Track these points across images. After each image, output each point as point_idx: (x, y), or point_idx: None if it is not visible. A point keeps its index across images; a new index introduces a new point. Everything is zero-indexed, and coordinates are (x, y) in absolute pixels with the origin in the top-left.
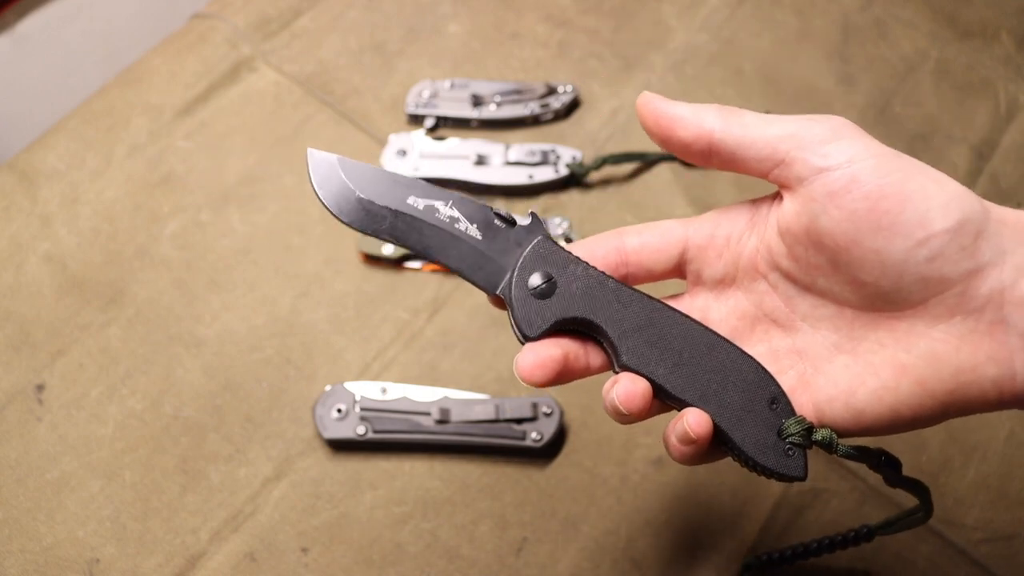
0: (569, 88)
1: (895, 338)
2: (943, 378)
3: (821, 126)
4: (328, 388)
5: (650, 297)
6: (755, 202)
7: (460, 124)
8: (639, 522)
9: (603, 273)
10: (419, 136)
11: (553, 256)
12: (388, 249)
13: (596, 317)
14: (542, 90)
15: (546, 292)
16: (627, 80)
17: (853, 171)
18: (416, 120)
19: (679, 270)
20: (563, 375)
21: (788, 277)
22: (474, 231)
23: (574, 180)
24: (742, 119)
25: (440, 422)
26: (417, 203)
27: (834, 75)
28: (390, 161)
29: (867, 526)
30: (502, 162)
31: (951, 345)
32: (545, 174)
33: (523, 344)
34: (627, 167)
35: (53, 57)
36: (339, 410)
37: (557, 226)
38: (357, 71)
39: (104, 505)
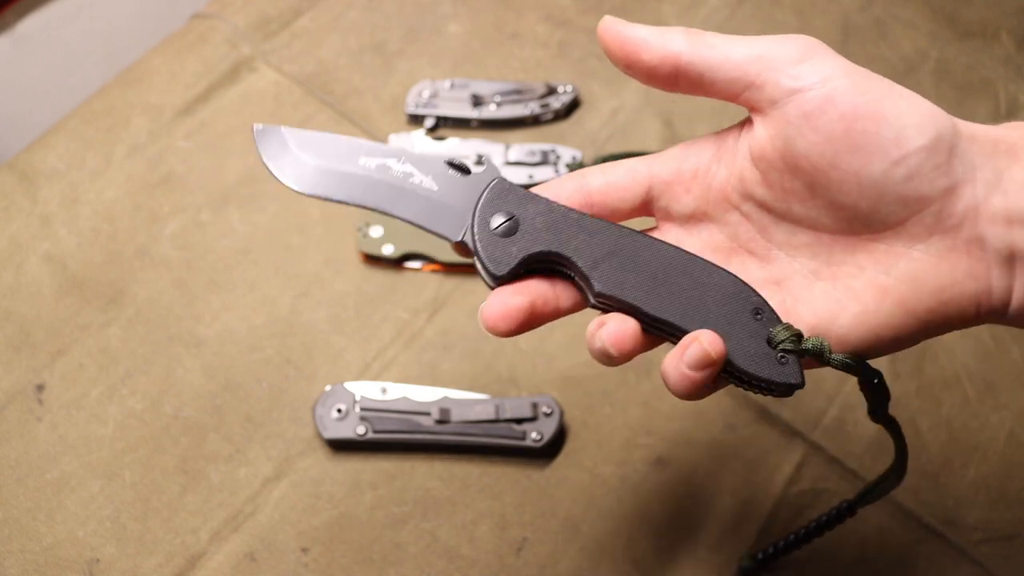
0: (569, 88)
1: (874, 260)
2: (923, 298)
3: (791, 45)
4: (328, 388)
5: (616, 224)
6: (721, 133)
7: (460, 124)
8: (639, 522)
9: (565, 206)
10: (419, 136)
11: (512, 195)
12: (388, 249)
13: (564, 248)
14: (542, 90)
15: (510, 230)
16: (627, 80)
17: (827, 91)
18: (416, 120)
19: (646, 208)
20: (530, 322)
21: (762, 206)
22: (429, 183)
23: None
24: (709, 40)
25: (440, 422)
26: (369, 163)
27: None
28: None
29: (847, 500)
30: (502, 162)
31: (930, 264)
32: (545, 174)
33: (492, 287)
34: None
35: (53, 57)
36: (339, 410)
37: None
38: (357, 71)
39: (104, 505)
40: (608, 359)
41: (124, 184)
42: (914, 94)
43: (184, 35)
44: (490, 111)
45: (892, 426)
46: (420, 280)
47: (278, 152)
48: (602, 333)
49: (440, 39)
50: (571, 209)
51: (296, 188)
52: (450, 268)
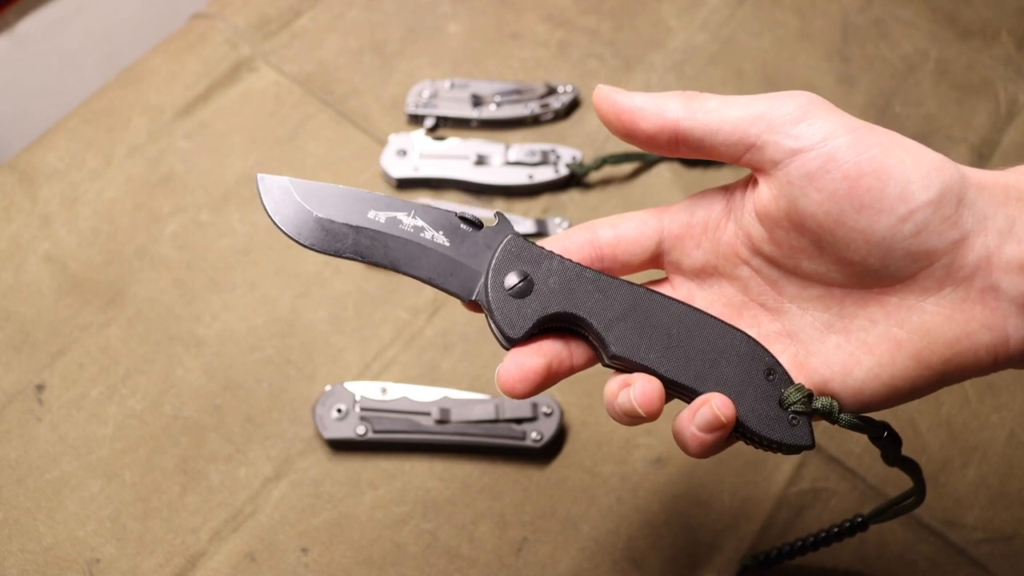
0: (569, 88)
1: (886, 313)
2: (938, 349)
3: (789, 104)
4: (328, 388)
5: (631, 283)
6: (729, 187)
7: (460, 124)
8: (639, 522)
9: (579, 264)
10: (419, 136)
11: (526, 253)
12: None
13: (579, 309)
14: (542, 90)
15: (524, 291)
16: (627, 80)
17: (829, 150)
18: (416, 120)
19: (656, 261)
20: (546, 383)
21: (771, 261)
22: (441, 238)
23: (574, 180)
24: (706, 104)
25: (440, 422)
26: (378, 216)
27: (834, 75)
28: (390, 161)
29: (860, 515)
30: (502, 162)
31: (943, 316)
32: (545, 174)
33: (507, 348)
34: (627, 167)
35: (53, 57)
36: (339, 410)
37: (557, 226)
38: (357, 71)
39: (104, 505)
40: (635, 419)
41: (124, 184)
42: (919, 146)
43: (184, 35)
44: (490, 111)
45: (908, 466)
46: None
47: (281, 203)
48: (631, 393)
49: (440, 39)
50: (585, 268)
51: (302, 242)
52: None
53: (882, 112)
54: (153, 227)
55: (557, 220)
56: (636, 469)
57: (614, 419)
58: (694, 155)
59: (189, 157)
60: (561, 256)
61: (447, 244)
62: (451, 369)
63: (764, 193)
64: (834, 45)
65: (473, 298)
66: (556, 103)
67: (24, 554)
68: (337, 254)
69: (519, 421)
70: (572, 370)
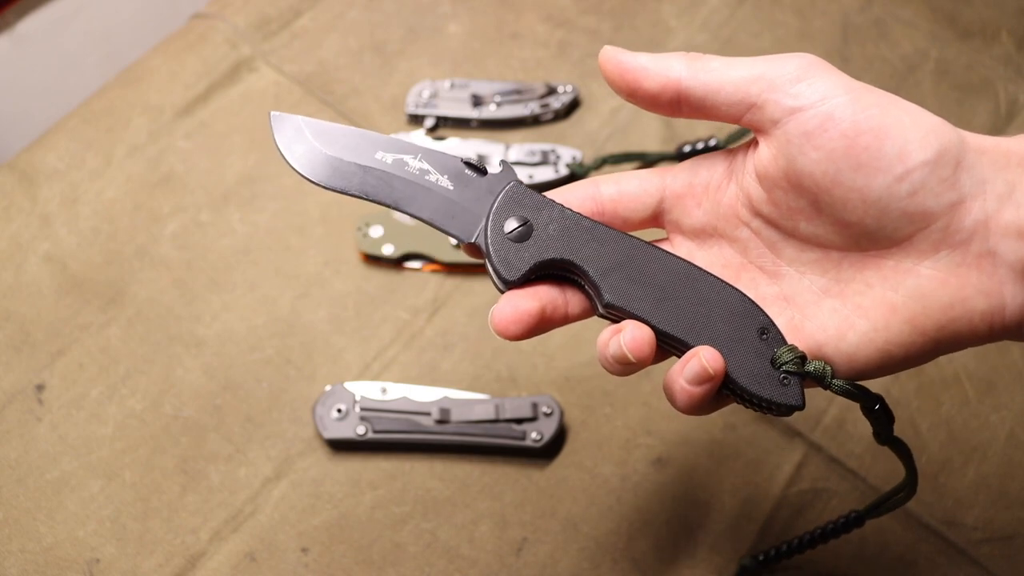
0: (569, 88)
1: (882, 277)
2: (933, 315)
3: (790, 64)
4: (328, 388)
5: (628, 235)
6: (732, 150)
7: (460, 124)
8: (639, 522)
9: (578, 213)
10: (419, 136)
11: (527, 199)
12: (388, 249)
13: (575, 256)
14: (542, 90)
15: (523, 235)
16: None
17: (828, 108)
18: (416, 120)
19: (656, 219)
20: (540, 327)
21: (770, 223)
22: (445, 182)
23: (574, 180)
24: (708, 64)
25: (440, 422)
26: (386, 157)
27: None
28: None
29: (856, 511)
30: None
31: (939, 280)
32: (545, 174)
33: (503, 291)
34: (627, 167)
35: (53, 57)
36: (339, 410)
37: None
38: (357, 71)
39: (104, 505)
40: (625, 365)
41: (124, 184)
42: (918, 107)
43: (184, 35)
44: (490, 111)
45: (899, 447)
46: (420, 280)
47: (293, 140)
48: (621, 339)
49: (440, 39)
50: (584, 217)
51: (311, 178)
52: (450, 268)
53: None
54: (153, 227)
55: None
56: (636, 469)
57: (607, 370)
58: (695, 115)
59: (189, 157)
60: (562, 205)
61: (451, 188)
62: (451, 369)
63: (764, 153)
64: (834, 45)
65: (473, 240)
66: (556, 103)
67: (24, 554)
68: (344, 191)
69: (519, 421)
70: (567, 318)
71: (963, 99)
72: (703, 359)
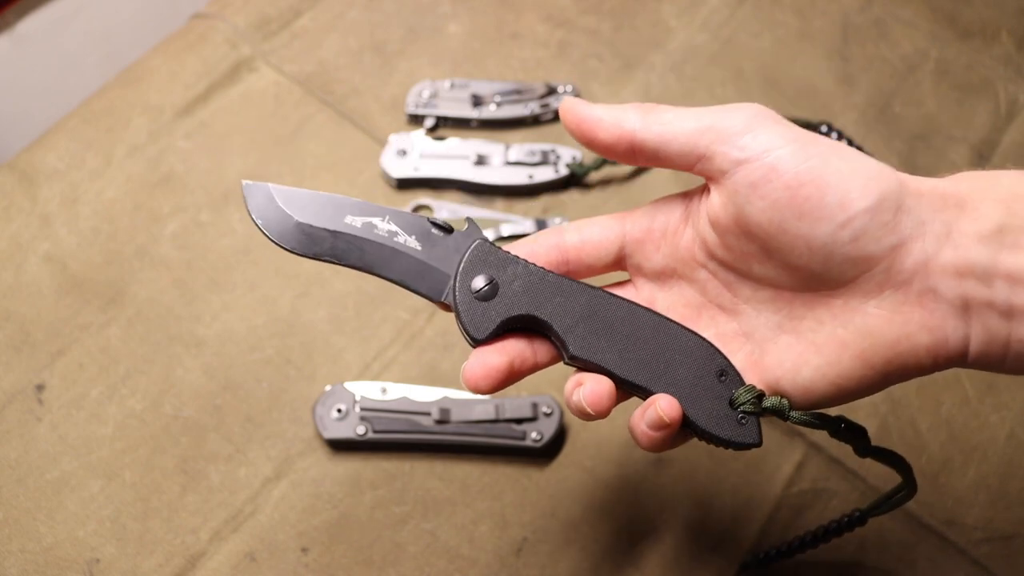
0: (569, 88)
1: (832, 315)
2: (880, 350)
3: (737, 116)
4: (328, 388)
5: (592, 287)
6: (687, 193)
7: (460, 124)
8: (639, 522)
9: (543, 269)
10: (419, 136)
11: (492, 257)
12: None
13: (540, 312)
14: (542, 90)
15: (489, 294)
16: (627, 80)
17: (771, 160)
18: (416, 120)
19: (619, 263)
20: (509, 380)
21: (725, 265)
22: (413, 242)
23: (574, 180)
24: (661, 116)
25: (440, 422)
26: (355, 221)
27: (834, 75)
28: (390, 161)
29: (858, 510)
30: (502, 162)
31: (884, 318)
32: (545, 174)
33: (472, 346)
34: (627, 167)
35: (53, 57)
36: (339, 410)
37: (557, 226)
38: (357, 71)
39: (104, 505)
40: (585, 416)
41: (124, 184)
42: (859, 154)
43: (184, 35)
44: (490, 111)
45: (884, 455)
46: None
47: (265, 209)
48: (581, 392)
49: (440, 39)
50: (548, 272)
51: (284, 246)
52: None
53: (882, 112)
54: (153, 227)
55: (557, 220)
56: (636, 469)
57: (572, 414)
58: (650, 164)
59: (189, 157)
60: (526, 261)
61: (419, 248)
62: (451, 369)
63: (715, 200)
64: (834, 45)
65: (443, 299)
66: (556, 103)
67: (24, 554)
68: (316, 257)
69: (519, 421)
70: (536, 367)
71: (963, 99)
72: (659, 408)
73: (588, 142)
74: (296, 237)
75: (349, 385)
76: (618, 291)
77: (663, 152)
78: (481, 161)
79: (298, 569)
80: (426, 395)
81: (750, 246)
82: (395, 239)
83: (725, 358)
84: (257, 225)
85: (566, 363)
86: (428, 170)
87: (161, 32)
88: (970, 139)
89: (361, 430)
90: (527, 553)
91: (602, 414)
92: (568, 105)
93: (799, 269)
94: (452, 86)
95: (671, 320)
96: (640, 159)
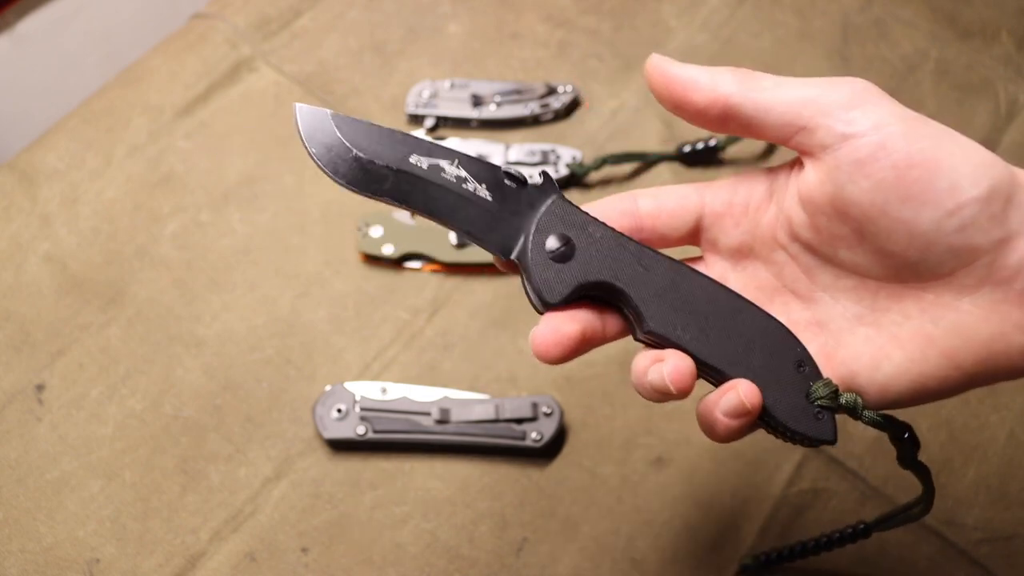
0: (569, 88)
1: (921, 309)
2: (972, 349)
3: (843, 89)
4: (328, 388)
5: (673, 259)
6: (773, 170)
7: (460, 124)
8: (639, 522)
9: (623, 235)
10: (419, 136)
11: (570, 217)
12: (388, 249)
13: (618, 281)
14: (542, 90)
15: (565, 255)
16: (627, 80)
17: (881, 138)
18: (416, 120)
19: (694, 237)
20: (579, 350)
21: (808, 248)
22: (483, 192)
23: (574, 180)
24: (760, 83)
25: (440, 422)
26: (421, 162)
27: (834, 75)
28: None
29: (864, 522)
30: (502, 162)
31: (980, 316)
32: None
33: (541, 312)
34: (627, 167)
35: (53, 57)
36: (339, 410)
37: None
38: (357, 71)
39: (104, 505)
40: (663, 396)
41: (124, 184)
42: (971, 142)
43: (184, 35)
44: (490, 111)
45: (921, 471)
46: (420, 280)
47: (321, 139)
48: (663, 369)
49: (440, 39)
50: (628, 239)
51: (340, 182)
52: (450, 268)
53: None
54: (153, 227)
55: None
56: (636, 469)
57: (641, 394)
58: (741, 133)
59: (189, 157)
60: (605, 224)
61: (489, 198)
62: (451, 369)
63: (810, 177)
64: (834, 45)
65: (512, 257)
66: (556, 103)
67: (24, 554)
68: (374, 195)
69: (519, 421)
70: (604, 340)
71: (963, 99)
72: (741, 394)
73: (677, 105)
74: (354, 172)
75: (349, 385)
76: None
77: (759, 121)
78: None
79: (298, 569)
80: (426, 395)
81: (843, 228)
82: (464, 185)
83: (804, 348)
84: (310, 154)
85: (637, 338)
86: None
87: (161, 32)
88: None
89: (361, 430)
90: (527, 553)
91: (685, 393)
92: (657, 63)
93: (894, 256)
94: (452, 86)
95: (752, 304)
96: (731, 126)
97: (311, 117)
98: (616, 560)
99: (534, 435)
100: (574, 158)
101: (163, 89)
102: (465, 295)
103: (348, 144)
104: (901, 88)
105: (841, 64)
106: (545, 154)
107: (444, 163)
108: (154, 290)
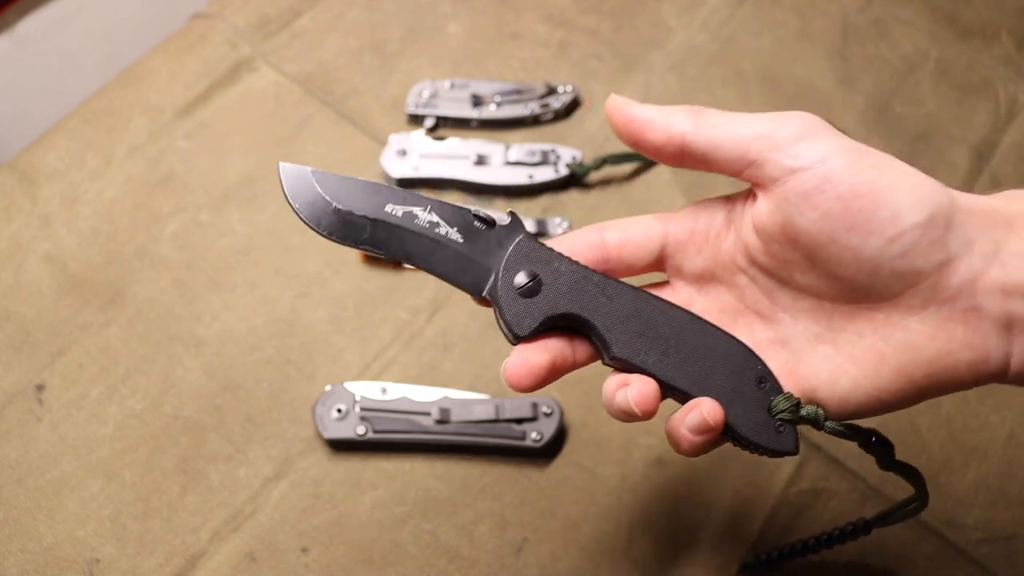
0: (569, 88)
1: (873, 328)
2: (920, 365)
3: (791, 124)
4: (328, 388)
5: (635, 288)
6: (731, 198)
7: (460, 124)
8: (639, 522)
9: (587, 268)
10: (419, 136)
11: (536, 254)
12: None
13: (584, 311)
14: (542, 90)
15: (532, 290)
16: (627, 80)
17: (825, 171)
18: (416, 120)
19: (659, 264)
20: (550, 378)
21: (766, 272)
22: (455, 234)
23: (574, 180)
24: (711, 120)
25: (440, 422)
26: (395, 210)
27: (834, 75)
28: (390, 161)
29: (864, 519)
30: (502, 162)
31: (926, 334)
32: (545, 174)
33: (513, 344)
34: (627, 167)
35: (53, 57)
36: (339, 410)
37: (557, 226)
38: (357, 71)
39: (104, 505)
40: (630, 417)
41: (124, 184)
42: (912, 170)
43: (184, 35)
44: (490, 111)
45: (905, 470)
46: (420, 280)
47: (302, 193)
48: (628, 393)
49: (440, 39)
50: (592, 271)
51: (322, 233)
52: None
53: (882, 112)
54: (153, 227)
55: (557, 220)
56: (636, 469)
57: (611, 415)
58: (697, 167)
59: (189, 157)
60: (570, 259)
61: (460, 240)
62: (451, 369)
63: (762, 207)
64: (834, 45)
65: (484, 295)
66: (556, 103)
67: (24, 554)
68: (355, 244)
69: (519, 421)
70: (574, 366)
71: (963, 99)
72: (704, 411)
73: (635, 142)
74: (334, 224)
75: (349, 385)
76: (655, 291)
77: (712, 156)
78: (481, 161)
79: (298, 569)
80: (426, 395)
81: (794, 255)
82: (436, 230)
83: (765, 365)
84: (294, 209)
85: (606, 363)
86: (428, 170)
87: (161, 32)
88: (970, 139)
89: (361, 430)
90: (527, 553)
91: (649, 415)
92: (616, 104)
93: (844, 280)
94: (452, 86)
95: (712, 324)
96: (688, 162)
97: (294, 175)
98: (616, 560)
99: (534, 435)
100: (574, 158)
101: (163, 89)
102: (465, 295)
103: (328, 198)
104: (901, 88)
105: (841, 64)
106: (545, 154)
107: (417, 210)
108: (154, 290)
